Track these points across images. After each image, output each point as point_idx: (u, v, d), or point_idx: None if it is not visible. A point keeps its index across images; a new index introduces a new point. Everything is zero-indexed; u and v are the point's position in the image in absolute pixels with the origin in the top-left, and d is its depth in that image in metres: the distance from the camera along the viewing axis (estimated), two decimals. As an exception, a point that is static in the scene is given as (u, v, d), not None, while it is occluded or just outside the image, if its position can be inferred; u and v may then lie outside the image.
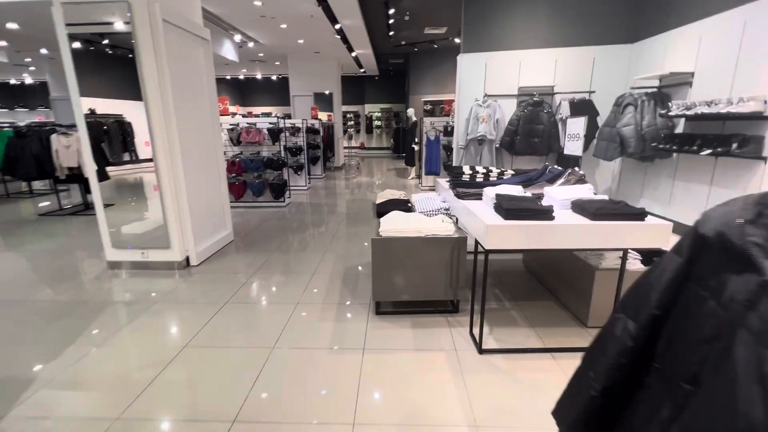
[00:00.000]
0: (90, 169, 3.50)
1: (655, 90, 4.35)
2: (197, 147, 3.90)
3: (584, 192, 2.48)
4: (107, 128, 3.73)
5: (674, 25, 4.23)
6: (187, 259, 3.70)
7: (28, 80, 15.33)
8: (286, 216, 5.82)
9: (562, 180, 2.82)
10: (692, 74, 3.94)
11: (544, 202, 2.44)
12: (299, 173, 7.84)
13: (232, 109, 10.83)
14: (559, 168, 3.12)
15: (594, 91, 4.97)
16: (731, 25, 3.48)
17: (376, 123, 17.58)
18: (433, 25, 9.26)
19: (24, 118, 14.88)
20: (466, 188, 2.89)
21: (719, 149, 3.30)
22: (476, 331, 2.46)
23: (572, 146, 3.41)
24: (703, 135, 3.62)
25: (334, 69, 10.93)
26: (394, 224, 2.62)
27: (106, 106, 3.58)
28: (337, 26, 7.80)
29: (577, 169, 2.82)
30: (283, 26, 7.93)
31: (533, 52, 5.28)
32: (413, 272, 2.60)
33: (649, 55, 4.62)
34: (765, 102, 3.13)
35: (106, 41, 3.35)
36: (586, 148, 4.92)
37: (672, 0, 4.36)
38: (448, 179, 3.60)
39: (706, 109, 3.43)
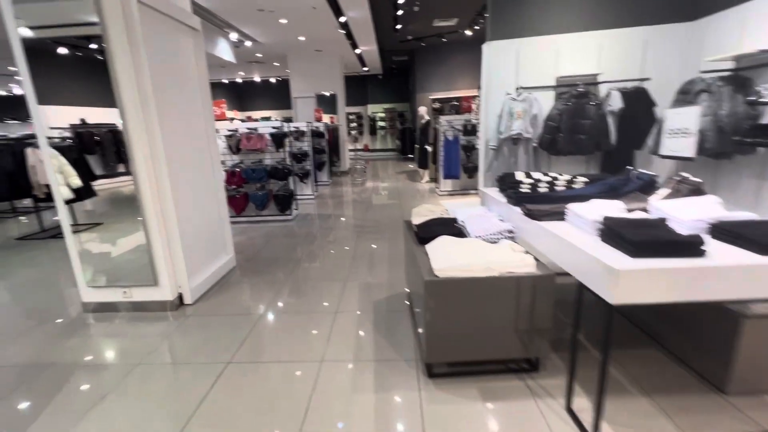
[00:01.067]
0: (55, 188, 2.83)
1: (730, 74, 3.66)
2: (188, 158, 3.22)
3: (714, 208, 1.80)
4: (100, 138, 3.16)
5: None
6: (180, 297, 3.03)
7: (17, 90, 14.69)
8: (295, 231, 5.14)
9: (667, 190, 2.13)
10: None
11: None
12: (305, 181, 7.17)
13: (229, 114, 10.17)
14: (648, 173, 2.43)
15: (649, 78, 4.28)
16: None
17: (380, 124, 16.91)
18: (444, 17, 8.59)
19: (17, 130, 14.30)
20: (539, 204, 2.21)
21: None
22: (577, 405, 1.77)
23: (675, 145, 2.69)
24: None
25: (337, 68, 10.27)
26: (450, 258, 1.94)
27: (99, 115, 2.99)
28: (342, 19, 7.14)
29: (686, 175, 2.14)
30: (283, 21, 7.26)
31: (573, 36, 4.59)
32: (481, 323, 1.91)
33: (718, 33, 3.93)
34: None
35: (94, 45, 2.70)
36: (642, 143, 4.24)
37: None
38: (498, 189, 2.92)
39: None
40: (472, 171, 6.91)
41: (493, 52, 4.94)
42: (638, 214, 1.77)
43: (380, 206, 6.39)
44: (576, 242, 1.64)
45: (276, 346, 2.44)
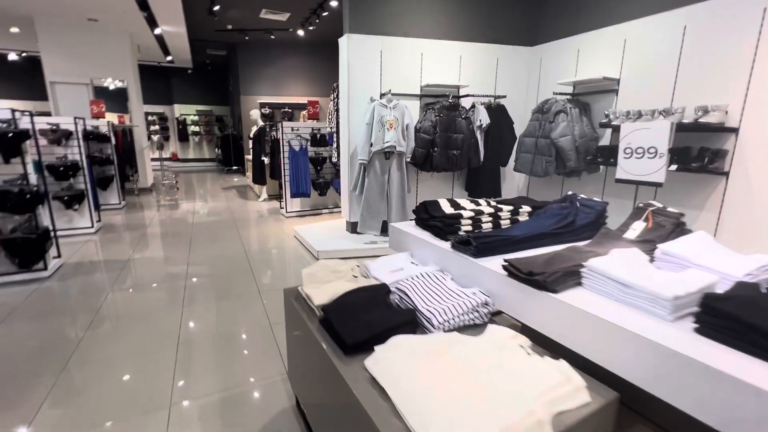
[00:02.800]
0: None
1: (573, 98, 3.94)
2: None
3: (731, 257, 1.39)
4: None
5: (587, 28, 3.88)
6: None
7: None
8: (53, 302, 2.99)
9: (641, 223, 1.70)
10: (618, 81, 3.60)
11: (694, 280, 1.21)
12: (76, 207, 4.68)
13: None
14: (595, 199, 2.01)
15: (505, 96, 4.31)
16: (670, 27, 3.19)
17: (193, 129, 14.02)
18: (274, 8, 7.38)
19: None
20: (503, 249, 1.44)
21: (694, 164, 2.89)
22: None
23: (640, 166, 2.25)
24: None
25: (126, 50, 7.56)
26: (455, 415, 0.91)
27: None
28: (131, -24, 5.03)
29: (657, 203, 1.75)
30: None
31: (436, 43, 4.26)
32: None
33: (555, 59, 4.24)
34: (726, 113, 2.87)
35: None
36: (507, 160, 4.19)
37: (584, 1, 4.00)
38: (416, 224, 2.06)
39: (674, 119, 3.00)
40: (323, 187, 5.96)
41: (354, 46, 4.15)
42: (698, 275, 1.18)
43: (209, 239, 4.67)
44: (659, 339, 0.89)
45: None
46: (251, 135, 9.19)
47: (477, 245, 1.52)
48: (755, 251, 1.35)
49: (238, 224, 5.40)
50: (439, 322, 1.31)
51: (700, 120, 2.83)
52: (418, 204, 2.12)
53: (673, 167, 2.99)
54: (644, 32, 3.37)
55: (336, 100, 4.93)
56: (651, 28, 3.31)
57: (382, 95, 4.12)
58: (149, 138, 9.26)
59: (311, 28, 8.12)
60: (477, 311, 1.39)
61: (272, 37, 9.03)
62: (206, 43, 10.11)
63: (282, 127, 5.49)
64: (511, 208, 1.97)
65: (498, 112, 4.10)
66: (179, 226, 5.28)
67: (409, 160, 4.01)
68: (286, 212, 5.82)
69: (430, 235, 1.93)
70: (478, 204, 2.09)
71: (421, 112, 4.27)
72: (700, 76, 3.00)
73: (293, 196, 5.68)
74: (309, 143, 5.70)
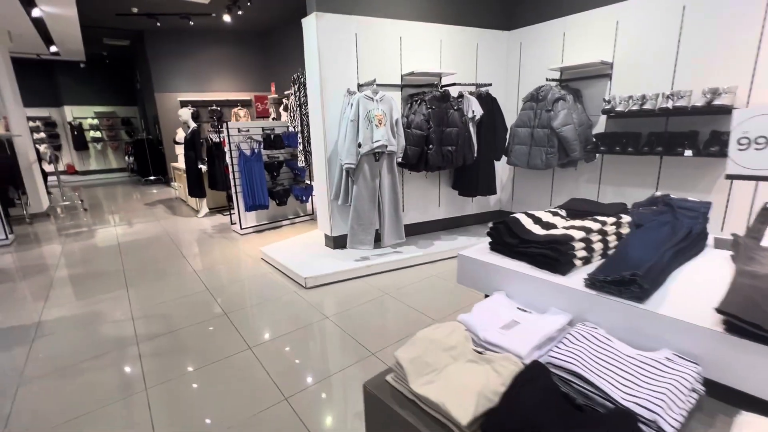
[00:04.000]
0: None
1: (563, 84, 3.73)
2: None
3: None
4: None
5: (573, 10, 3.65)
6: None
7: None
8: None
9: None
10: (611, 65, 3.45)
11: None
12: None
13: None
14: (694, 200, 1.72)
15: (490, 84, 3.97)
16: (667, 7, 3.06)
17: (93, 134, 11.77)
18: (194, -13, 6.22)
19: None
20: (652, 277, 1.03)
21: (711, 149, 2.81)
22: None
23: (751, 159, 1.82)
24: (661, 134, 3.13)
25: (-9, 37, 5.82)
26: None
27: None
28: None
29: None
30: None
31: (416, 26, 3.75)
32: None
33: (538, 44, 4.00)
34: (735, 94, 2.82)
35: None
36: (502, 153, 3.86)
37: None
38: (499, 251, 1.57)
39: (682, 102, 2.88)
40: (282, 196, 5.16)
41: (324, 27, 3.43)
42: None
43: (152, 276, 3.67)
44: None
45: None
46: (177, 139, 7.87)
47: (645, 284, 1.09)
48: None
49: (184, 250, 4.40)
50: (672, 426, 0.84)
51: (715, 102, 2.75)
52: (491, 225, 1.63)
53: (689, 153, 2.89)
54: (639, 13, 3.24)
55: (298, 93, 4.19)
56: (647, 8, 3.19)
57: (360, 86, 3.52)
58: (36, 149, 7.39)
59: (240, 12, 7.07)
60: (694, 391, 0.95)
61: (191, 23, 7.72)
62: (103, 30, 8.37)
63: (227, 128, 4.57)
64: (613, 219, 1.58)
65: (488, 102, 3.76)
66: (102, 261, 4.12)
67: (400, 160, 3.49)
68: (241, 229, 4.92)
69: (528, 266, 1.45)
70: (558, 215, 1.68)
71: (404, 104, 3.76)
72: (703, 58, 2.93)
73: (249, 209, 4.81)
74: (261, 146, 4.86)
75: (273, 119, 6.78)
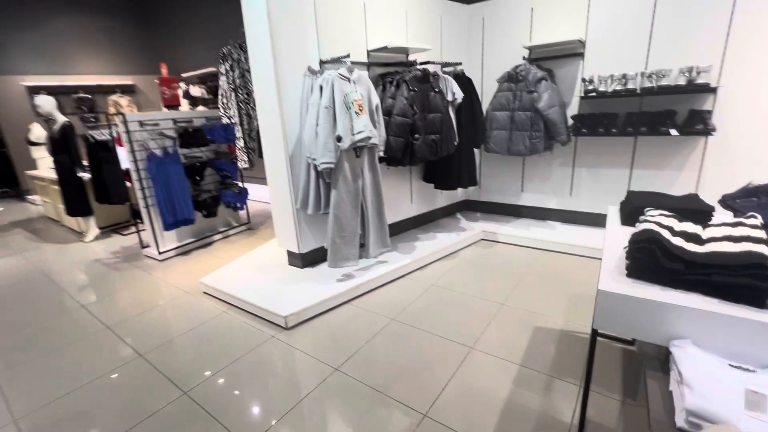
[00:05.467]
0: None
1: (534, 63, 3.52)
2: None
3: None
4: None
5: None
6: None
7: None
8: None
9: None
10: (583, 44, 3.34)
11: None
12: None
13: None
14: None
15: (460, 63, 3.58)
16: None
17: None
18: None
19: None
20: None
21: (696, 126, 2.84)
22: None
23: None
24: (638, 113, 3.11)
25: None
26: None
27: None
28: None
29: None
30: None
31: (379, -10, 3.12)
32: None
33: (503, 20, 3.72)
34: (709, 72, 2.88)
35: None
36: (482, 140, 3.45)
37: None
38: (694, 281, 1.17)
39: (666, 81, 2.86)
40: (211, 205, 4.12)
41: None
42: None
43: (39, 347, 2.46)
44: None
45: None
46: (32, 138, 5.92)
47: None
48: None
49: (77, 295, 3.15)
50: None
51: (698, 81, 2.78)
52: (632, 243, 1.23)
53: (675, 132, 2.91)
54: (611, -11, 3.14)
55: (232, 74, 3.24)
56: (620, -16, 3.10)
57: (324, 63, 2.80)
58: None
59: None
60: None
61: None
62: None
63: (125, 121, 3.36)
64: (758, 222, 1.30)
65: (465, 83, 3.36)
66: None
67: (382, 154, 2.90)
68: (159, 253, 3.77)
69: (713, 301, 1.08)
70: (675, 218, 1.36)
71: (375, 86, 3.14)
72: (676, 35, 2.95)
73: (170, 227, 3.69)
74: (177, 143, 3.73)
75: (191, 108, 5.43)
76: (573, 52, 3.37)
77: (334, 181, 2.64)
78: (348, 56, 2.64)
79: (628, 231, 1.56)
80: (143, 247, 4.03)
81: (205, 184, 4.13)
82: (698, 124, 2.84)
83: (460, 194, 4.34)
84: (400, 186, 3.67)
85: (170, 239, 3.93)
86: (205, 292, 3.03)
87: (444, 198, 4.18)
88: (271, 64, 2.59)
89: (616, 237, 1.53)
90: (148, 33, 7.67)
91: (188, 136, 3.80)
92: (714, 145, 2.99)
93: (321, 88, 2.55)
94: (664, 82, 2.88)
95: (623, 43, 3.15)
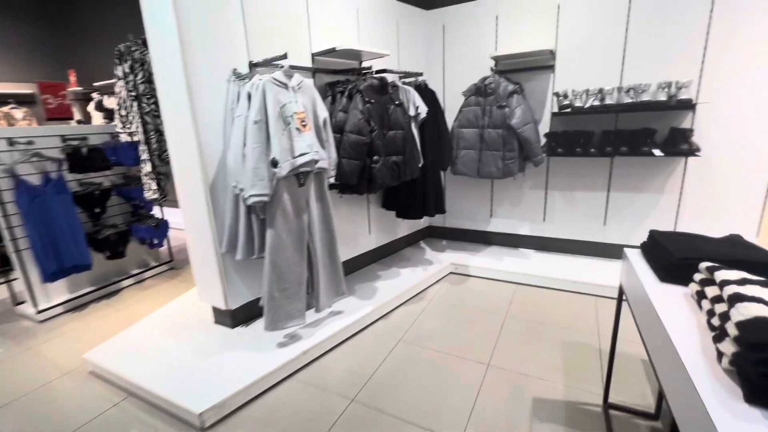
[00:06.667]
0: None
1: (501, 76, 3.16)
2: None
3: None
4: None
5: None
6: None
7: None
8: None
9: None
10: (553, 54, 3.05)
11: None
12: None
13: None
14: None
15: (421, 74, 3.13)
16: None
17: None
18: None
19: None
20: None
21: (682, 146, 2.59)
22: None
23: None
24: (615, 132, 2.83)
25: None
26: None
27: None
28: None
29: None
30: None
31: (323, -16, 2.58)
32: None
33: (465, 28, 3.35)
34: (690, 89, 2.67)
35: None
36: (449, 161, 2.95)
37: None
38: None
39: (646, 97, 2.59)
40: (115, 245, 3.25)
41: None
42: None
43: None
44: None
45: None
46: None
47: None
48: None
49: None
50: None
51: (680, 98, 2.54)
52: (738, 348, 0.74)
53: (659, 153, 2.64)
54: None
55: (133, 78, 2.51)
56: (590, -8, 2.85)
57: (255, 65, 2.19)
58: None
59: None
60: None
61: None
62: None
63: (-18, 139, 2.48)
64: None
65: (427, 97, 2.91)
66: None
67: (332, 180, 2.31)
68: (38, 312, 2.84)
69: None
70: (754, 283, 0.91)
71: (321, 97, 2.57)
72: (652, 47, 2.72)
73: (50, 279, 2.79)
74: (65, 167, 2.88)
75: (79, 123, 4.46)
76: (543, 64, 3.06)
77: (271, 218, 2.01)
78: (285, 56, 2.06)
79: (683, 294, 1.10)
80: (16, 303, 3.05)
81: (107, 218, 3.27)
82: (682, 144, 2.59)
83: (423, 221, 3.86)
84: (355, 216, 3.10)
85: (57, 291, 3.01)
86: (92, 373, 2.21)
87: (406, 226, 3.67)
88: (180, 66, 1.93)
89: (675, 311, 1.06)
90: (56, 34, 6.53)
91: (81, 157, 2.95)
92: (695, 164, 2.77)
93: (249, 96, 1.94)
94: (644, 98, 2.61)
95: (596, 54, 2.89)
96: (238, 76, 2.09)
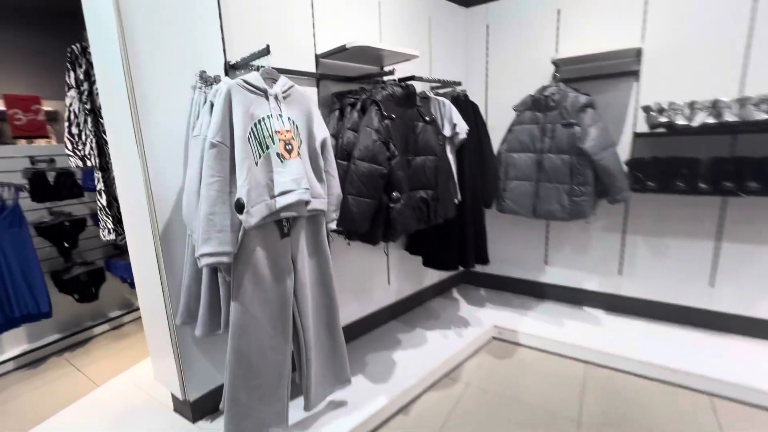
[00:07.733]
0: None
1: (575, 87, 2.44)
2: None
3: None
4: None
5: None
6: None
7: None
8: None
9: None
10: (638, 56, 2.29)
11: None
12: None
13: None
14: None
15: (460, 83, 2.45)
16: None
17: None
18: None
19: None
20: None
21: None
22: None
23: None
24: (732, 160, 2.01)
25: None
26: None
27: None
28: None
29: None
30: None
31: (335, -35, 2.01)
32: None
33: (515, 27, 2.67)
34: None
35: None
36: (495, 195, 2.25)
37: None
38: None
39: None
40: (86, 285, 2.73)
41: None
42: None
43: None
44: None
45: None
46: None
47: None
48: None
49: None
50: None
51: None
52: None
53: (815, 191, 1.80)
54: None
55: (88, 86, 2.00)
56: (696, -29, 2.10)
57: (233, 66, 1.60)
58: None
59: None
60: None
61: None
62: None
63: None
64: None
65: (468, 112, 2.22)
66: None
67: (334, 226, 1.65)
68: (-17, 371, 2.33)
69: None
70: None
71: (326, 112, 1.94)
72: (792, 46, 1.93)
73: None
74: (20, 195, 2.40)
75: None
76: (622, 69, 2.31)
77: (236, 286, 1.36)
78: (267, 51, 1.44)
79: None
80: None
81: (82, 252, 2.76)
82: None
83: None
84: (370, 263, 2.41)
85: (14, 341, 2.50)
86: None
87: (435, 273, 2.94)
88: (121, 66, 1.36)
89: None
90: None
91: (47, 184, 2.47)
92: None
93: (212, 106, 1.33)
94: (784, 113, 1.80)
95: (703, 56, 2.12)
96: (206, 81, 1.50)
